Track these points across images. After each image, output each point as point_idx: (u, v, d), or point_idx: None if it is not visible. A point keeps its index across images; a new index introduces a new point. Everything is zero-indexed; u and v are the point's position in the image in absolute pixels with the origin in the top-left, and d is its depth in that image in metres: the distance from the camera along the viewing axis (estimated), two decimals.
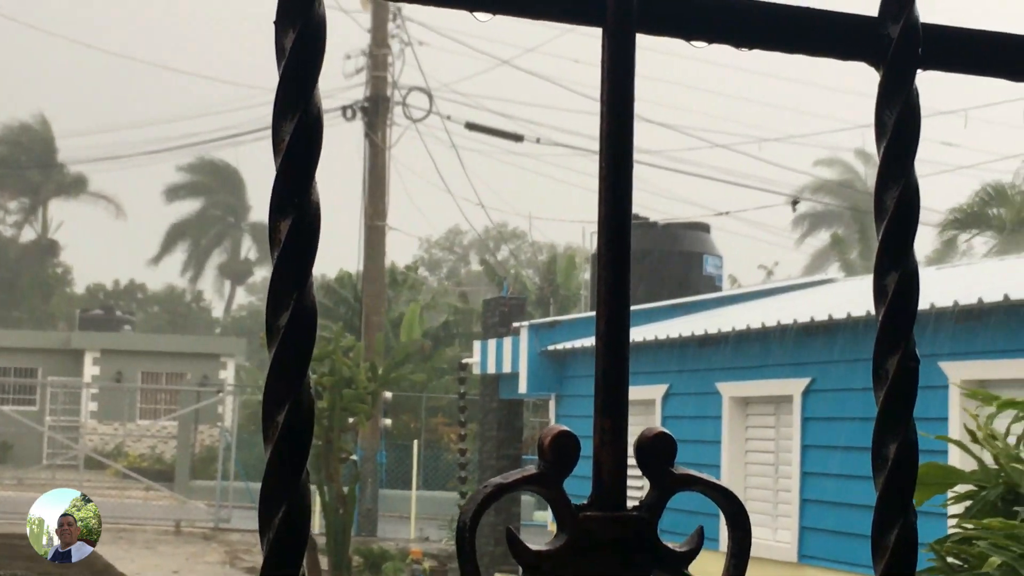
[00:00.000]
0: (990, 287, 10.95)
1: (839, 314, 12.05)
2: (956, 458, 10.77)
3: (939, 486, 5.28)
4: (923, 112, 0.97)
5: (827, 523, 12.61)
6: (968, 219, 31.86)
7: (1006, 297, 9.94)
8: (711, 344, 14.52)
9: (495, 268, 48.78)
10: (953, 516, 5.47)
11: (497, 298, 21.58)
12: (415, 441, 30.65)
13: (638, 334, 16.21)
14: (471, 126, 29.00)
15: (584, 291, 41.53)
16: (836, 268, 48.22)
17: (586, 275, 44.41)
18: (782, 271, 64.42)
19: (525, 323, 18.41)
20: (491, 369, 19.45)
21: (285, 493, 0.87)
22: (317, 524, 22.61)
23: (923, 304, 11.01)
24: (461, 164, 29.92)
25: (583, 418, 17.48)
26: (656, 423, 15.61)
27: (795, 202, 22.17)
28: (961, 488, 5.60)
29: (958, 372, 10.82)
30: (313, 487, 21.44)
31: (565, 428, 0.99)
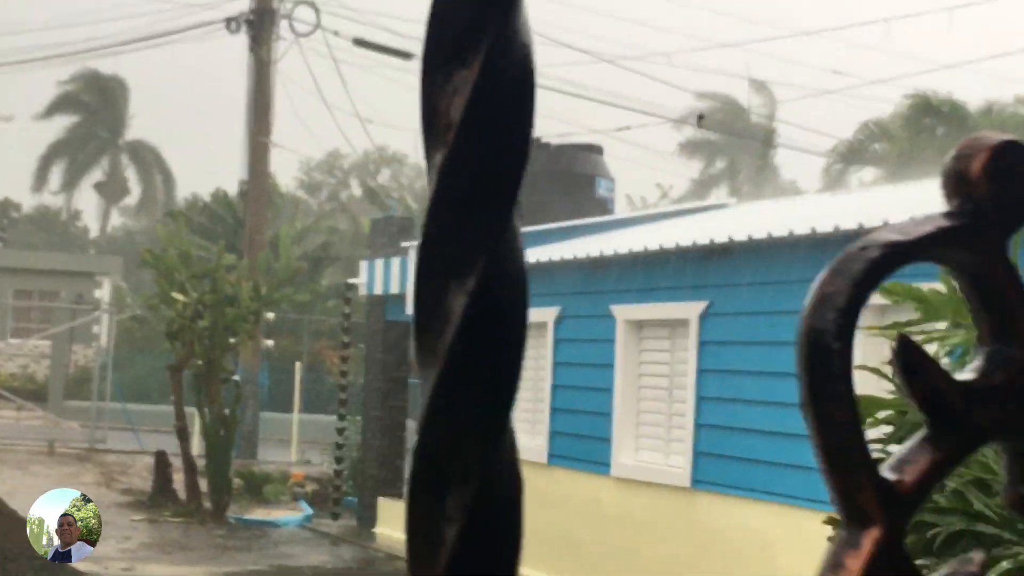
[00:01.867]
0: (872, 214, 10.79)
1: (740, 236, 11.83)
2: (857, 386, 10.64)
3: (861, 416, 5.04)
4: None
5: (721, 448, 12.46)
6: (852, 153, 31.98)
7: (886, 223, 9.76)
8: (605, 267, 14.27)
9: (377, 191, 48.25)
10: (873, 441, 5.22)
11: (385, 217, 21.17)
12: (297, 363, 30.18)
13: (529, 255, 15.90)
14: (359, 42, 28.35)
15: None
16: (725, 193, 48.34)
17: None
18: (672, 194, 64.61)
19: (414, 243, 18.01)
20: (378, 290, 19.06)
21: (480, 465, 0.46)
22: (197, 446, 22.12)
23: (805, 230, 10.83)
24: (343, 83, 29.30)
25: None
26: (548, 346, 15.37)
27: (700, 117, 21.93)
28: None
29: None
30: (193, 409, 20.96)
31: (1012, 137, 0.59)
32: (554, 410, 15.28)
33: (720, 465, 12.46)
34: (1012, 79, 32.33)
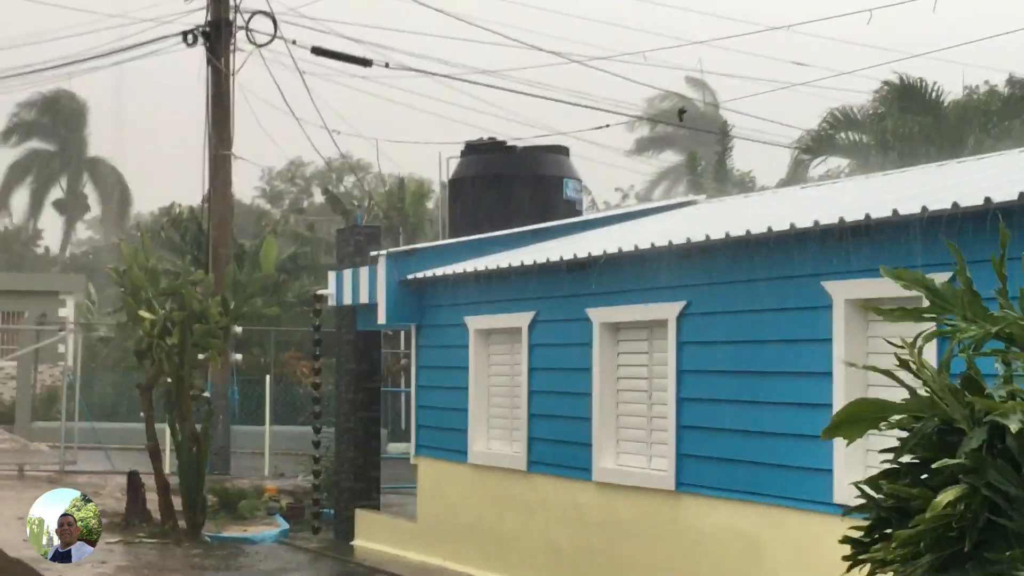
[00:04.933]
0: (873, 204, 10.64)
1: (717, 234, 11.66)
2: (841, 384, 10.48)
3: (871, 421, 4.85)
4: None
5: (705, 450, 12.30)
6: (817, 144, 31.83)
7: (895, 212, 9.62)
8: (580, 269, 14.09)
9: (341, 199, 47.96)
10: (886, 450, 5.03)
11: (351, 227, 20.92)
12: (267, 376, 29.90)
13: (500, 260, 15.72)
14: (317, 51, 28.09)
15: (430, 223, 40.87)
16: (684, 189, 48.23)
17: (430, 204, 43.71)
18: (632, 192, 64.51)
19: (383, 252, 17.79)
20: (347, 300, 18.83)
21: None
22: (169, 463, 21.83)
23: (806, 222, 10.67)
24: (308, 91, 28.96)
25: (446, 348, 16.99)
26: (523, 351, 15.19)
27: (682, 111, 21.76)
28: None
29: (842, 291, 10.52)
30: (164, 426, 20.68)
31: None
32: (532, 416, 15.10)
33: (704, 467, 12.31)
34: (990, 67, 32.24)
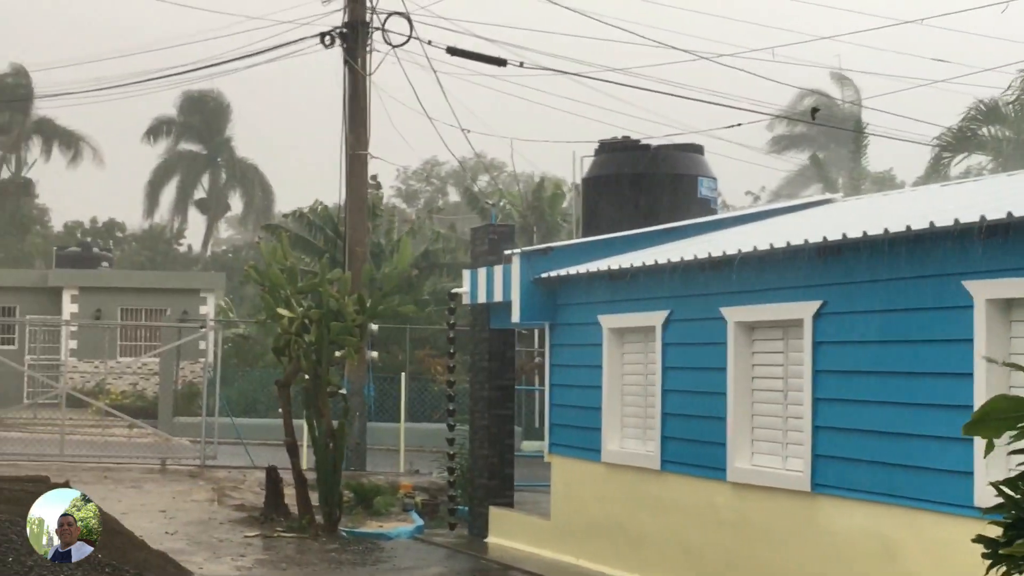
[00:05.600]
0: (1015, 202, 10.43)
1: (854, 233, 11.52)
2: (982, 385, 10.29)
3: (1009, 420, 4.77)
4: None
5: (841, 451, 12.15)
6: (957, 141, 31.18)
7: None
8: (714, 268, 14.00)
9: (477, 197, 48.21)
10: (1013, 452, 4.95)
11: (485, 226, 21.02)
12: (402, 373, 30.19)
13: (634, 259, 15.69)
14: (452, 51, 28.27)
15: (564, 222, 40.90)
16: (819, 189, 47.66)
17: (564, 203, 43.73)
18: (763, 193, 63.89)
19: (517, 251, 17.85)
20: (481, 298, 18.94)
21: None
22: (306, 459, 22.14)
23: (946, 220, 10.49)
24: (443, 91, 29.17)
25: (579, 346, 16.99)
26: (657, 350, 15.15)
27: (815, 110, 21.55)
28: None
29: (984, 290, 10.33)
30: (301, 422, 20.99)
31: None
32: (665, 415, 15.05)
33: (840, 468, 12.16)
34: None
